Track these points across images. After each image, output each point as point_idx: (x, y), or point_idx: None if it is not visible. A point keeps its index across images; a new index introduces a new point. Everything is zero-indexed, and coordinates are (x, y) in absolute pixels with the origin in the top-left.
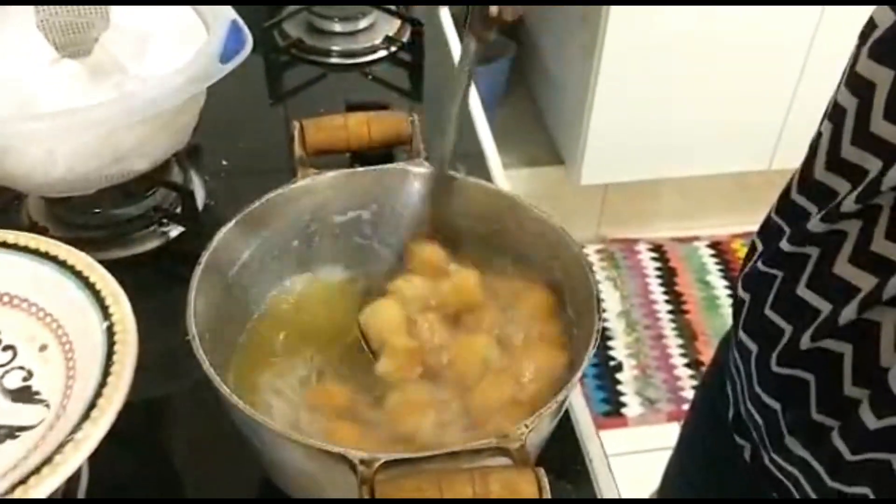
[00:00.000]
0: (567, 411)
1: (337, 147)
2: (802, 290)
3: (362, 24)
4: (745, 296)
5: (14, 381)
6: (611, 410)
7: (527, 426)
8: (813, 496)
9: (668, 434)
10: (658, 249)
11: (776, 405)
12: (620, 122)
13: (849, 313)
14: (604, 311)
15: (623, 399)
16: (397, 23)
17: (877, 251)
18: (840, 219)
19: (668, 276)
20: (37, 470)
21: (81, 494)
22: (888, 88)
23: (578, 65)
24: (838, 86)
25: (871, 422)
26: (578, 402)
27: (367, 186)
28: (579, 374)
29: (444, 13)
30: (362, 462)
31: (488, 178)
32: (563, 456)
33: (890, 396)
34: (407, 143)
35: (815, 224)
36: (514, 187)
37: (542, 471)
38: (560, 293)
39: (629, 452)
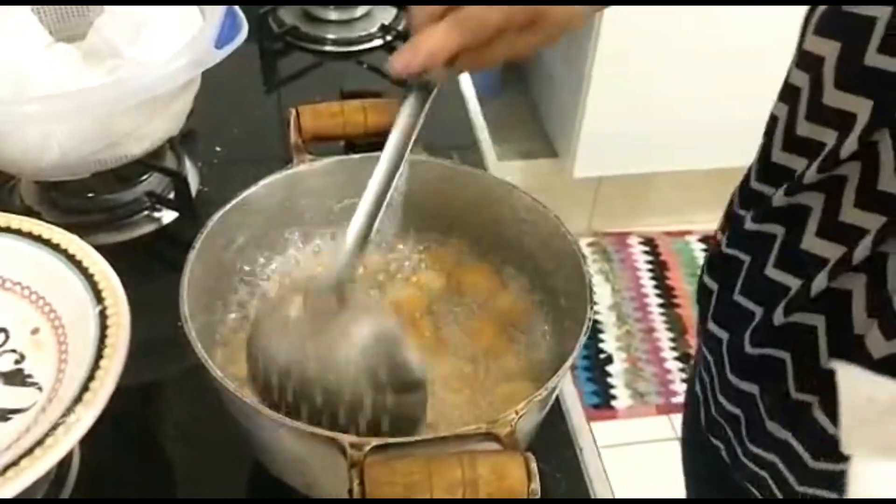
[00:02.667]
0: (558, 401)
1: (333, 134)
2: (771, 270)
3: (358, 12)
4: (713, 285)
5: (6, 363)
6: (601, 403)
7: (517, 412)
8: (795, 487)
9: (658, 427)
10: (650, 243)
11: (753, 388)
12: (614, 115)
13: (819, 283)
14: (595, 303)
15: (613, 392)
16: (393, 11)
17: (845, 221)
18: (803, 191)
19: (659, 270)
20: (29, 452)
21: (72, 477)
22: (836, 59)
23: (573, 58)
24: (789, 70)
25: None
26: (569, 392)
27: (363, 174)
28: (570, 363)
29: None
30: (352, 445)
31: (483, 168)
32: (553, 445)
33: (870, 363)
34: None
35: (778, 198)
36: (508, 179)
37: (530, 455)
38: (552, 282)
39: (619, 445)
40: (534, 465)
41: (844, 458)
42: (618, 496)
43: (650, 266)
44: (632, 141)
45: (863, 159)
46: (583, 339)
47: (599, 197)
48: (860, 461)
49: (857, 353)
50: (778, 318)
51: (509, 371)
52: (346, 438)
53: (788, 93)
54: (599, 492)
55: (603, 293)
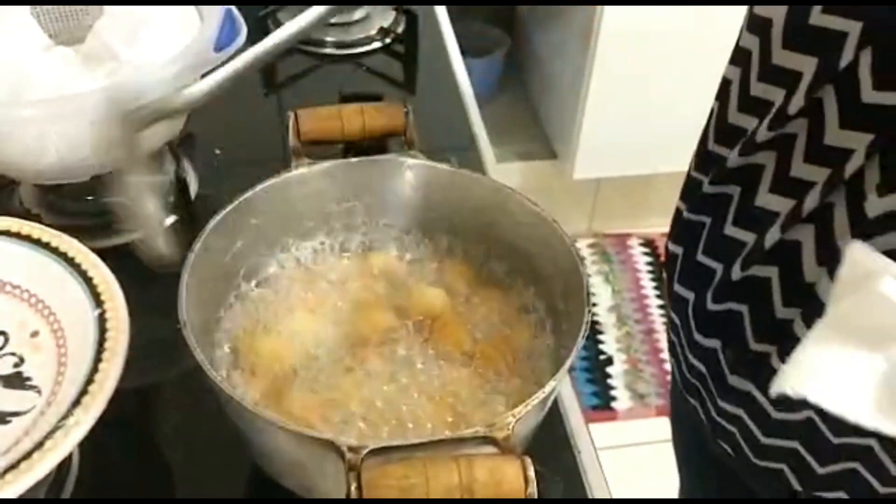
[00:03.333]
0: (556, 403)
1: (331, 137)
2: (729, 229)
3: (357, 15)
4: (678, 249)
5: (5, 367)
6: (600, 404)
7: (514, 416)
8: (761, 440)
9: (658, 428)
10: (650, 244)
11: (715, 343)
12: (613, 116)
13: (773, 236)
14: (594, 304)
15: (613, 393)
16: (392, 14)
17: (795, 175)
18: (756, 150)
19: (659, 271)
20: (27, 455)
21: (71, 481)
22: (783, 21)
23: (572, 59)
24: (740, 33)
25: None
26: (568, 394)
27: (361, 177)
28: (567, 365)
29: (439, 6)
30: (350, 449)
31: (482, 171)
32: (551, 448)
33: (822, 309)
34: (401, 133)
35: (733, 159)
36: (507, 181)
37: (528, 459)
38: (551, 285)
39: (618, 446)
40: (531, 469)
41: (806, 407)
42: (617, 497)
43: (650, 267)
44: (631, 142)
45: (809, 116)
46: (580, 342)
47: (599, 198)
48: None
49: (808, 301)
50: (736, 273)
51: (507, 374)
52: (344, 441)
53: (740, 56)
54: (598, 494)
55: (603, 294)
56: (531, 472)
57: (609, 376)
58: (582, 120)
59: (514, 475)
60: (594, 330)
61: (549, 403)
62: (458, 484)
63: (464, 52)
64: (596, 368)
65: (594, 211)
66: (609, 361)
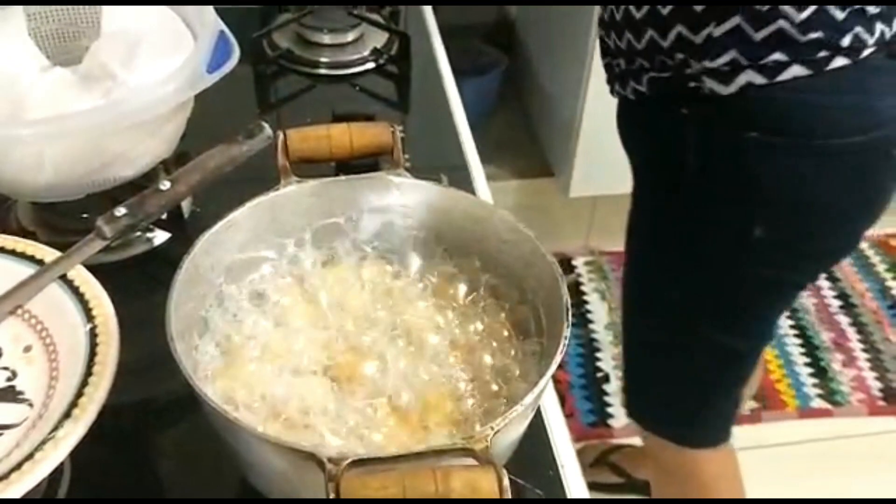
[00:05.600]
0: (542, 418)
1: (320, 156)
2: None
3: (350, 36)
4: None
5: None
6: (597, 421)
7: (492, 428)
8: None
9: None
10: None
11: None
12: (610, 134)
13: None
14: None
15: (610, 410)
16: (385, 35)
17: None
18: None
19: None
20: (18, 466)
21: (63, 495)
22: None
23: (569, 77)
24: None
25: None
26: (552, 408)
27: (349, 194)
28: (544, 381)
29: (432, 26)
30: (330, 460)
31: (472, 190)
32: (536, 462)
33: None
34: (389, 152)
35: None
36: (505, 199)
37: (503, 470)
38: (535, 301)
39: None
40: (506, 479)
41: None
42: None
43: None
44: (627, 160)
45: None
46: (558, 357)
47: (596, 216)
48: None
49: None
50: None
51: (490, 387)
52: (325, 453)
53: None
54: None
55: (599, 312)
56: (506, 482)
57: (606, 393)
58: (577, 138)
59: (489, 485)
60: (591, 347)
61: (530, 417)
62: (435, 493)
63: (462, 72)
64: (593, 386)
65: (591, 228)
66: (606, 379)
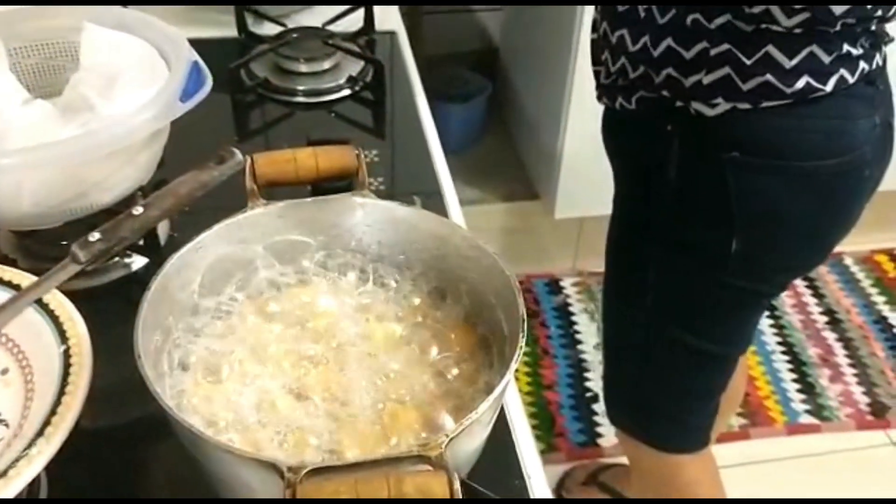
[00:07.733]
0: (509, 431)
1: (286, 179)
2: None
3: (326, 64)
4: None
5: None
6: (587, 441)
7: (447, 436)
8: None
9: None
10: None
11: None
12: (593, 157)
13: None
14: (580, 343)
15: (599, 430)
16: (360, 63)
17: None
18: None
19: None
20: None
21: None
22: None
23: (551, 103)
24: None
25: None
26: (518, 418)
27: (315, 215)
28: (498, 391)
29: (408, 54)
30: (290, 469)
31: (445, 214)
32: (502, 475)
33: None
34: (354, 174)
35: None
36: (492, 222)
37: (454, 473)
38: (496, 315)
39: None
40: (457, 482)
41: None
42: None
43: None
44: (611, 182)
45: None
46: (513, 366)
47: (583, 238)
48: None
49: None
50: None
51: (452, 397)
52: (285, 463)
53: None
54: None
55: (588, 333)
56: (457, 485)
57: (595, 413)
58: (561, 161)
59: (441, 488)
60: (580, 368)
61: (489, 425)
62: (388, 495)
63: (449, 98)
64: (582, 406)
65: (578, 250)
66: (595, 399)
